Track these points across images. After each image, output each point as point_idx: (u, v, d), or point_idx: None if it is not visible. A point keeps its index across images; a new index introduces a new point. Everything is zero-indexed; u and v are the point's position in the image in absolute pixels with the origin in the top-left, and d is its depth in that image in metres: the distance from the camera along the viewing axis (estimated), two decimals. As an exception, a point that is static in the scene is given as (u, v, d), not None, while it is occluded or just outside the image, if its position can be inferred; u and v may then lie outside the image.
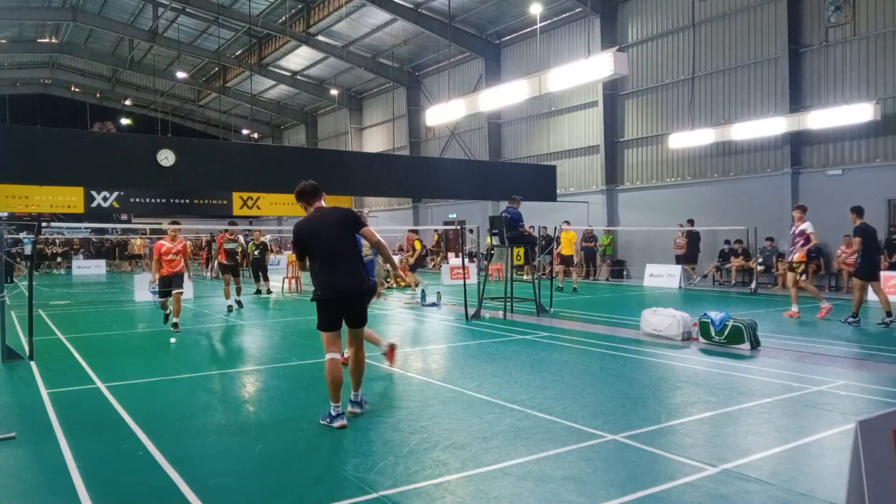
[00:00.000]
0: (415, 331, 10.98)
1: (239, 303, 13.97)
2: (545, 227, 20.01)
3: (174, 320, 10.64)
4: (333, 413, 5.16)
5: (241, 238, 14.49)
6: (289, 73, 35.32)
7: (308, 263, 5.33)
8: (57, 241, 33.83)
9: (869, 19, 16.29)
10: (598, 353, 8.47)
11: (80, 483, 4.02)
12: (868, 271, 10.75)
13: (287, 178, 17.19)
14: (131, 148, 15.71)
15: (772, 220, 17.84)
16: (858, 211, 10.79)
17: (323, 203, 5.50)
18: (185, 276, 10.85)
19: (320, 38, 29.49)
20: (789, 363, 7.62)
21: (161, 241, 10.89)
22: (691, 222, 19.43)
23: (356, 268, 5.31)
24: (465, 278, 12.81)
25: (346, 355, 5.82)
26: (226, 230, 14.39)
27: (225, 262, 13.91)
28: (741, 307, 11.64)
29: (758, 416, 5.43)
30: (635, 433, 4.90)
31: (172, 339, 9.91)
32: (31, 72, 41.55)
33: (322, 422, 5.25)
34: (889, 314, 10.43)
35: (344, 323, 5.35)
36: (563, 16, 23.64)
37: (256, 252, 17.84)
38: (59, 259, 32.09)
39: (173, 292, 10.60)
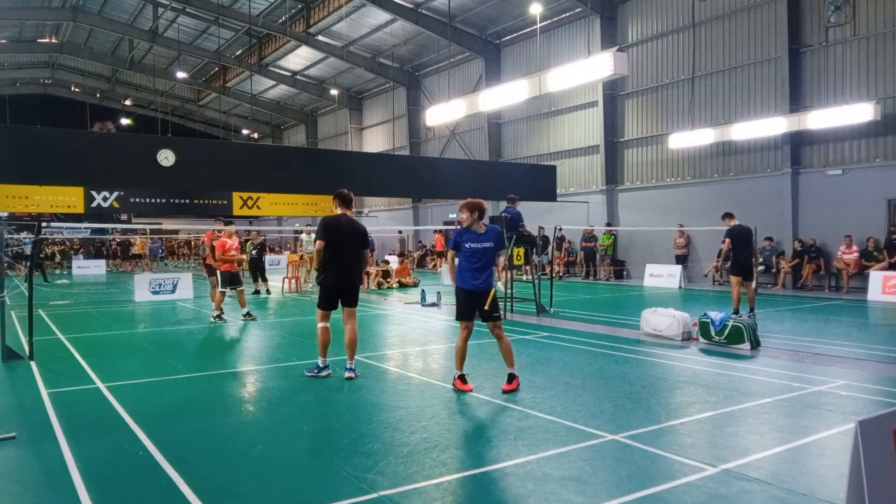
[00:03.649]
0: (415, 331, 10.97)
1: (219, 317, 12.28)
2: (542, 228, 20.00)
3: (244, 309, 12.18)
4: (321, 365, 7.02)
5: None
6: (289, 73, 35.33)
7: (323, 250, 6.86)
8: (56, 239, 33.80)
9: (869, 19, 16.28)
10: (598, 353, 8.47)
11: (80, 483, 4.02)
12: (738, 269, 11.36)
13: (287, 178, 17.20)
14: (131, 148, 15.69)
15: (772, 220, 17.84)
16: (730, 215, 11.74)
17: (349, 213, 7.14)
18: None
19: (320, 38, 29.49)
20: (789, 363, 7.62)
21: (223, 239, 12.16)
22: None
23: (355, 266, 7.01)
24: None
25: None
26: (215, 229, 13.23)
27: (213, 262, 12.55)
28: (741, 307, 11.63)
29: (758, 416, 5.44)
30: (635, 433, 4.91)
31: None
32: (31, 72, 41.57)
33: (308, 373, 7.01)
34: (737, 311, 11.07)
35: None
36: (563, 16, 23.64)
37: (254, 252, 17.76)
38: (57, 259, 32.03)
39: (238, 289, 12.19)
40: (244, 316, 12.13)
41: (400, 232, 32.61)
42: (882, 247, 15.72)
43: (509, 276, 12.64)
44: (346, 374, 6.90)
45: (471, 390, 6.34)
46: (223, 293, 12.04)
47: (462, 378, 6.47)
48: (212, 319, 11.87)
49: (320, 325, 6.99)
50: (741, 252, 11.33)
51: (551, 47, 24.27)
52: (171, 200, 23.91)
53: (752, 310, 11.30)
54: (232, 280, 12.07)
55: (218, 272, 12.14)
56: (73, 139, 14.81)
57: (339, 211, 7.02)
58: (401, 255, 27.82)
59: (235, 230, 12.68)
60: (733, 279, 11.51)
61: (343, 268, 6.87)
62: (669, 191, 21.06)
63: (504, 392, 6.25)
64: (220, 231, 12.95)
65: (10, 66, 40.11)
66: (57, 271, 29.07)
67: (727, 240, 11.34)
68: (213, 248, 12.80)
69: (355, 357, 7.13)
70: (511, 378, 6.38)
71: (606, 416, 5.42)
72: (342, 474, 4.15)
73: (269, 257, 26.99)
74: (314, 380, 6.88)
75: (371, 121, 36.21)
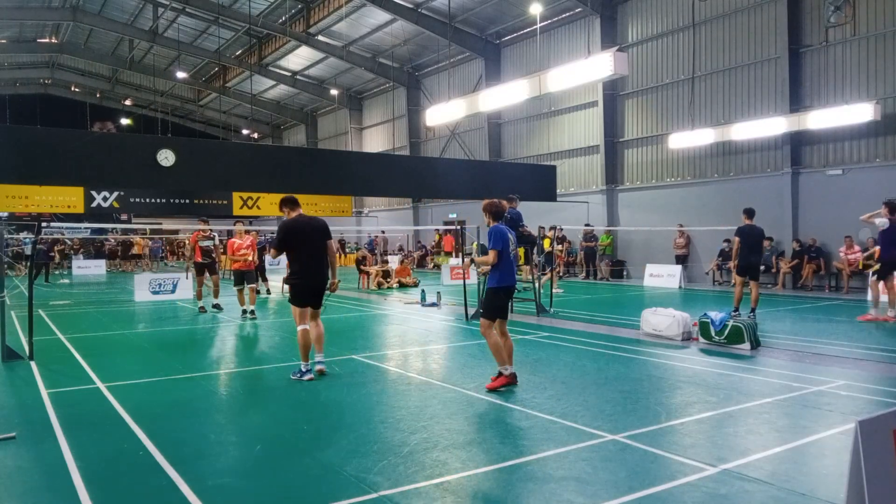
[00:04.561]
0: (415, 331, 10.98)
1: (217, 306, 13.55)
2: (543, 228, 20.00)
3: (251, 307, 12.48)
4: (304, 369, 6.89)
5: (216, 236, 14.54)
6: (289, 73, 35.33)
7: (286, 254, 6.96)
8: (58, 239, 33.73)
9: (869, 19, 16.28)
10: (598, 353, 8.47)
11: (80, 483, 4.03)
12: (745, 269, 11.27)
13: (287, 178, 17.18)
14: (131, 148, 15.68)
15: (772, 220, 17.80)
16: (747, 213, 11.39)
17: (301, 211, 7.09)
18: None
19: (320, 38, 29.49)
20: (789, 363, 7.62)
21: (233, 239, 12.88)
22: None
23: (323, 266, 7.01)
24: (465, 278, 12.81)
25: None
26: (199, 230, 14.03)
27: (200, 260, 13.57)
28: (741, 307, 11.63)
29: (758, 416, 5.44)
30: (635, 433, 4.91)
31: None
32: (31, 72, 41.56)
33: (293, 377, 6.89)
34: (737, 310, 11.10)
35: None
36: (563, 16, 23.64)
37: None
38: (56, 259, 31.92)
39: (248, 286, 12.67)
40: (244, 314, 12.42)
41: (382, 232, 32.72)
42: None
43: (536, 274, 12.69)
44: (318, 367, 7.04)
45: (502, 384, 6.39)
46: (240, 290, 12.68)
47: (505, 375, 6.46)
48: (249, 315, 12.41)
49: (300, 327, 6.95)
50: (750, 252, 11.27)
51: (551, 47, 24.27)
52: (171, 200, 23.90)
53: (753, 310, 11.28)
54: (244, 278, 12.64)
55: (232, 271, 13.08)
56: (73, 139, 14.80)
57: (293, 215, 7.01)
58: (382, 253, 27.72)
59: (245, 229, 13.35)
60: (738, 278, 11.48)
61: (311, 266, 6.90)
62: (669, 191, 21.06)
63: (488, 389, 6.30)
64: (204, 231, 13.90)
65: (10, 66, 40.09)
66: (57, 272, 29.07)
67: (736, 238, 11.28)
68: (203, 249, 13.68)
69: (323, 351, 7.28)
70: (498, 375, 6.43)
71: (606, 416, 5.42)
72: (342, 474, 4.15)
73: (269, 257, 26.97)
74: (314, 380, 6.87)
75: (371, 121, 36.21)
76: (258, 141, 46.48)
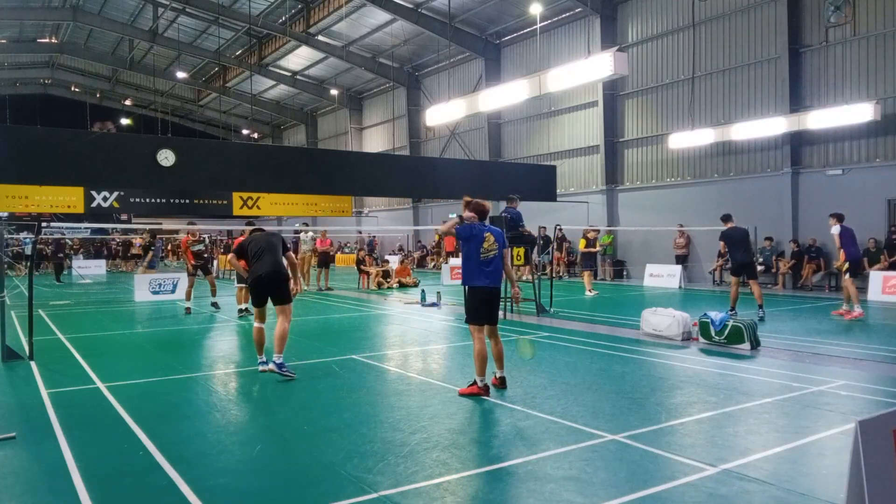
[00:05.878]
0: (415, 331, 10.98)
1: (215, 305, 13.92)
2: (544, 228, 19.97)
3: (244, 305, 12.69)
4: (259, 361, 7.30)
5: (206, 238, 14.74)
6: (289, 73, 35.33)
7: (244, 262, 7.52)
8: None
9: (869, 19, 16.28)
10: (599, 353, 8.47)
11: (80, 483, 4.03)
12: (737, 269, 11.71)
13: (287, 178, 17.19)
14: (131, 148, 15.68)
15: (772, 220, 17.84)
16: (725, 217, 11.88)
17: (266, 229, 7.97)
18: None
19: (320, 38, 29.49)
20: (789, 363, 7.62)
21: (241, 237, 13.05)
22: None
23: (274, 262, 7.31)
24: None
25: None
26: (188, 233, 14.21)
27: (194, 262, 13.75)
28: (741, 307, 11.65)
29: (758, 416, 5.44)
30: (635, 433, 4.91)
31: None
32: (31, 72, 41.56)
33: (259, 369, 7.22)
34: (733, 310, 11.31)
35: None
36: (563, 16, 23.64)
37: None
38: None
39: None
40: (240, 312, 12.64)
41: (359, 232, 32.81)
42: (882, 247, 15.71)
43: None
44: (270, 366, 7.07)
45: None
46: (241, 288, 12.77)
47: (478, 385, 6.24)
48: (238, 314, 12.69)
49: (255, 324, 7.45)
50: (737, 253, 11.57)
51: (551, 47, 24.26)
52: (171, 200, 23.89)
53: (760, 306, 11.44)
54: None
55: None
56: (73, 139, 14.80)
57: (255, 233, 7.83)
58: (366, 253, 27.50)
59: (253, 229, 13.48)
60: (733, 279, 11.82)
61: (261, 267, 7.30)
62: (669, 191, 21.05)
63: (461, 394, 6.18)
64: (194, 235, 14.06)
65: (10, 66, 40.09)
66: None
67: (721, 242, 11.84)
68: (195, 253, 13.77)
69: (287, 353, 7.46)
70: (472, 383, 6.27)
71: (606, 416, 5.42)
72: (342, 474, 4.15)
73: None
74: (313, 380, 6.88)
75: (371, 121, 36.21)
76: (258, 141, 46.48)
